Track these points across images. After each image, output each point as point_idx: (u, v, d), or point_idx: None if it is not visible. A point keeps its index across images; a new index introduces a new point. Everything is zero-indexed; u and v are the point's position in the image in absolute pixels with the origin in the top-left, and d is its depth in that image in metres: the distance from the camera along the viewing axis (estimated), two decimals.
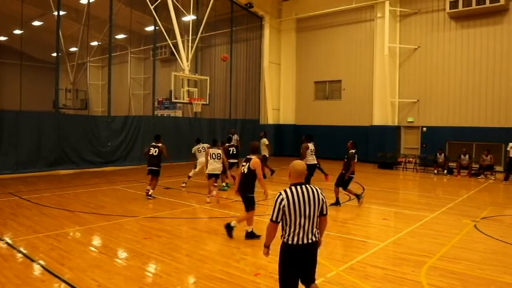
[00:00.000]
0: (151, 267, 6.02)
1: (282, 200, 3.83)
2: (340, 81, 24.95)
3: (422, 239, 7.72)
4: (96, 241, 7.40)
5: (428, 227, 8.82)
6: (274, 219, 3.87)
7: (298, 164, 4.05)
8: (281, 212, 3.83)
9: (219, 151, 11.29)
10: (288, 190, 3.88)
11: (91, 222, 8.52)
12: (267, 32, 26.51)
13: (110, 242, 7.19)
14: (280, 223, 3.88)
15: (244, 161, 7.50)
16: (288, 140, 26.58)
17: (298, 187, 3.90)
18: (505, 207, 11.65)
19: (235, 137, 19.39)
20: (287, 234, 3.86)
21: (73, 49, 31.82)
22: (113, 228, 8.05)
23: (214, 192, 11.11)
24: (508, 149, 16.55)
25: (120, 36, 31.78)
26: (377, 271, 5.90)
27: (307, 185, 3.97)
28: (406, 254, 6.64)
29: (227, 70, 26.39)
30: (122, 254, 6.60)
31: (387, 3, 21.65)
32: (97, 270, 5.69)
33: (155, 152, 11.42)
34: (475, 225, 8.77)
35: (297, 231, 3.84)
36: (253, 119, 26.84)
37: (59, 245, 6.84)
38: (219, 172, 11.35)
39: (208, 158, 11.16)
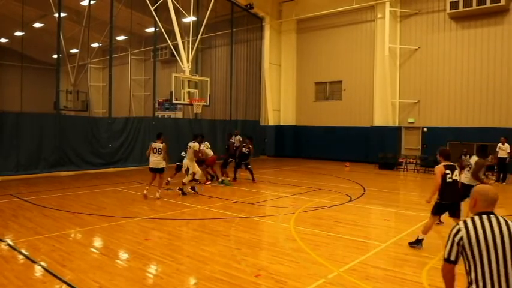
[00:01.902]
0: (152, 269, 6.01)
1: (459, 231, 2.87)
2: (340, 81, 24.95)
3: (425, 240, 7.70)
4: (97, 242, 7.40)
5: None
6: (446, 256, 2.92)
7: (489, 189, 3.04)
8: (456, 248, 2.86)
9: (161, 146, 11.36)
10: (470, 221, 2.88)
11: (92, 224, 8.52)
12: (267, 33, 26.53)
13: (111, 243, 7.18)
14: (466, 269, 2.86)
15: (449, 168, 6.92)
16: (288, 141, 26.64)
17: (486, 217, 2.87)
18: (506, 207, 11.64)
19: (237, 137, 19.42)
20: (476, 286, 2.76)
21: (74, 51, 31.89)
22: (114, 230, 8.05)
23: (157, 194, 11.38)
24: (497, 149, 16.51)
25: (121, 37, 31.80)
26: (378, 272, 5.89)
27: (498, 216, 2.90)
28: (407, 255, 6.64)
29: (227, 71, 26.41)
30: (123, 255, 6.59)
31: (387, 3, 21.68)
32: (98, 271, 5.69)
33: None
34: None
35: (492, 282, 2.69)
36: (253, 120, 26.86)
37: (60, 247, 6.84)
38: (157, 166, 11.35)
39: (151, 152, 11.47)
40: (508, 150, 16.18)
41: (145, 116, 25.30)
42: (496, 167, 16.95)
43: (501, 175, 16.55)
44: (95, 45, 31.66)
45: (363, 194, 12.21)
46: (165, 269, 5.89)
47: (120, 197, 11.98)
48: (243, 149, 15.34)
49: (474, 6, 19.22)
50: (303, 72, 26.75)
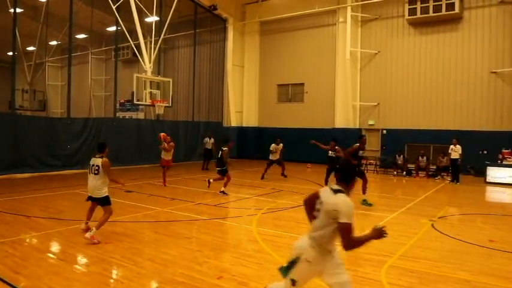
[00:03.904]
0: (112, 273, 5.89)
1: None
2: (303, 84, 25.28)
3: (383, 239, 7.91)
4: (55, 247, 7.16)
5: (388, 227, 9.02)
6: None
7: None
8: None
9: (99, 162, 7.41)
10: None
11: (49, 228, 8.24)
12: (230, 35, 26.53)
13: (69, 248, 6.97)
14: None
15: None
16: (250, 143, 26.69)
17: None
18: (460, 206, 12.13)
19: (211, 140, 19.35)
20: None
21: (31, 48, 30.73)
22: (72, 234, 7.81)
23: (88, 234, 7.12)
24: (449, 151, 17.20)
25: (81, 35, 30.99)
26: None
27: None
28: (368, 254, 6.78)
29: (190, 72, 26.20)
30: (82, 260, 6.42)
31: (349, 8, 22.17)
32: (55, 277, 5.50)
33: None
34: (432, 225, 9.07)
35: None
36: (216, 121, 26.76)
37: (14, 252, 6.58)
38: (99, 196, 7.44)
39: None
40: (460, 152, 16.85)
41: (106, 117, 24.75)
42: (450, 168, 17.63)
43: (454, 176, 17.22)
44: (54, 43, 30.66)
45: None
46: (125, 273, 5.78)
47: (79, 200, 11.61)
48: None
49: (431, 13, 20.00)
50: (266, 74, 26.92)
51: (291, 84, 26.01)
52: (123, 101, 30.73)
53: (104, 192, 7.44)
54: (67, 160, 17.90)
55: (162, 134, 14.94)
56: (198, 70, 26.13)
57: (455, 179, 17.05)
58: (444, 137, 19.46)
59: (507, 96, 19.28)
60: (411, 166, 19.47)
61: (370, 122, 22.74)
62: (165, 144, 14.32)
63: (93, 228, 7.23)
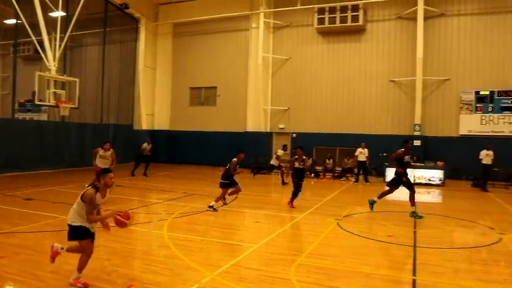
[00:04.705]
0: None
1: None
2: (215, 87, 25.36)
3: (293, 239, 8.21)
4: None
5: (297, 227, 9.42)
6: None
7: None
8: None
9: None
10: None
11: None
12: (142, 35, 25.82)
13: None
14: None
15: None
16: (162, 146, 26.08)
17: None
18: (363, 205, 12.93)
19: (149, 146, 18.54)
20: None
21: None
22: None
23: None
24: (356, 153, 18.45)
25: None
26: (251, 273, 6.09)
27: None
28: (278, 254, 6.97)
29: (99, 72, 24.99)
30: None
31: (262, 14, 22.70)
32: None
33: None
34: (338, 223, 9.57)
35: None
36: (126, 124, 25.80)
37: None
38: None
39: None
40: (367, 154, 18.13)
41: (3, 118, 22.74)
42: (356, 169, 18.85)
43: (363, 176, 18.47)
44: None
45: (236, 198, 12.51)
46: None
47: None
48: None
49: (337, 24, 21.26)
50: (178, 76, 26.59)
51: (203, 88, 25.96)
52: (23, 101, 28.40)
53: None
54: None
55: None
56: (107, 70, 24.95)
57: (365, 179, 18.32)
58: (349, 140, 20.70)
59: (403, 103, 21.03)
60: (319, 168, 20.39)
61: (281, 126, 23.46)
62: (103, 151, 12.88)
63: None
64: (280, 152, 18.64)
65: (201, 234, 8.38)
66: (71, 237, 5.50)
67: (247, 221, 10.59)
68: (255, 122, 23.47)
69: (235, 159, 11.83)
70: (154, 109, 26.90)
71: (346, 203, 13.02)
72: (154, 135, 25.88)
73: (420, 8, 20.20)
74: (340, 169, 20.21)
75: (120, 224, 5.36)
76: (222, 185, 11.26)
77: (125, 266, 6.30)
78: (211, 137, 24.52)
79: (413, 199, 10.59)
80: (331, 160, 20.44)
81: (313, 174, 20.09)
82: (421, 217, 10.25)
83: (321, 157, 21.10)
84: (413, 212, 10.42)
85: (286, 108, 23.27)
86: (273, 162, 18.55)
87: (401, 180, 10.61)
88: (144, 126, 26.07)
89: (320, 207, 12.03)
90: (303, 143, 21.79)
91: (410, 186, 10.64)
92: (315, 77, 22.64)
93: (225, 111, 24.88)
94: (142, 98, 25.89)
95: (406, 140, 11.46)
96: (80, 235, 5.42)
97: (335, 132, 21.81)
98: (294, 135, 22.97)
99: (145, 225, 9.25)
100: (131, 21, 25.84)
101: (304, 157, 12.10)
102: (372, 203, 10.99)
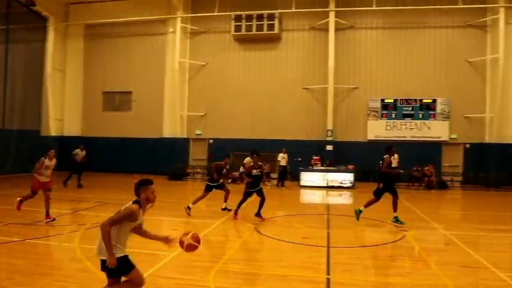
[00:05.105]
0: None
1: None
2: (130, 92, 24.58)
3: (211, 245, 8.15)
4: None
5: (216, 233, 9.39)
6: None
7: None
8: None
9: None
10: None
11: None
12: (51, 35, 24.29)
13: None
14: None
15: None
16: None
17: None
18: (279, 209, 13.26)
19: (83, 152, 17.23)
20: None
21: None
22: None
23: None
24: (278, 159, 19.11)
25: None
26: (168, 282, 5.95)
27: None
28: (196, 262, 6.88)
29: (1, 74, 22.98)
30: None
31: (179, 19, 22.48)
32: None
33: None
34: (255, 228, 9.70)
35: None
36: (33, 129, 23.93)
37: None
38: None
39: None
40: (287, 159, 18.85)
41: None
42: (272, 174, 19.50)
43: (281, 181, 19.22)
44: None
45: (152, 205, 12.17)
46: None
47: None
48: None
49: (254, 32, 21.72)
50: (90, 80, 25.38)
51: (118, 92, 25.01)
52: None
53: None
54: None
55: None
56: (10, 72, 22.89)
57: (281, 183, 18.93)
58: (267, 146, 21.16)
59: (316, 110, 21.98)
60: (236, 174, 20.54)
61: (197, 132, 23.33)
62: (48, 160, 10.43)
63: None
64: (247, 160, 18.46)
65: None
66: (113, 274, 4.35)
67: (165, 229, 10.34)
68: (172, 127, 23.08)
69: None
70: (64, 114, 25.35)
71: (264, 207, 13.21)
72: (64, 141, 24.21)
73: (332, 20, 21.32)
74: None
75: (192, 249, 4.67)
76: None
77: (31, 284, 5.78)
78: (127, 143, 23.68)
79: (396, 205, 10.71)
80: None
81: (230, 180, 20.16)
82: (402, 222, 10.35)
83: (239, 163, 21.26)
84: (396, 217, 10.54)
85: (203, 114, 23.20)
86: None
87: (387, 189, 10.64)
88: (53, 132, 24.44)
89: (238, 212, 12.06)
90: (220, 149, 21.97)
91: (395, 192, 10.70)
92: (232, 83, 22.86)
93: (140, 117, 24.18)
94: (50, 102, 24.26)
95: (389, 146, 11.63)
96: (125, 268, 4.39)
97: (252, 138, 22.13)
98: (211, 141, 22.95)
99: (55, 238, 8.66)
100: (38, 19, 24.17)
101: (259, 163, 11.26)
102: (358, 213, 10.56)
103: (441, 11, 21.08)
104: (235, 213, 11.05)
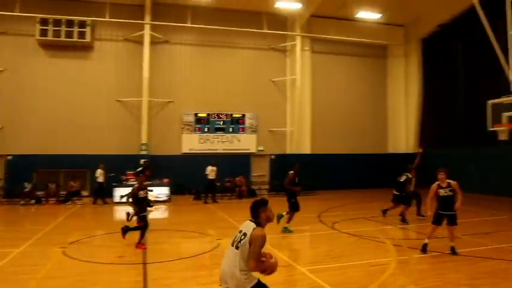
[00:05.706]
0: None
1: None
2: None
3: (9, 278, 7.12)
4: None
5: (15, 263, 8.23)
6: None
7: None
8: None
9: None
10: None
11: None
12: None
13: None
14: None
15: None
16: None
17: None
18: (93, 229, 12.41)
19: None
20: None
21: None
22: None
23: None
24: (97, 175, 17.97)
25: None
26: None
27: None
28: None
29: None
30: None
31: None
32: None
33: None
34: (63, 252, 8.87)
35: None
36: None
37: None
38: None
39: None
40: (105, 176, 18.19)
41: None
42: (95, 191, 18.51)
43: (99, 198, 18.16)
44: None
45: None
46: None
47: None
48: None
49: (62, 38, 20.12)
50: None
51: None
52: None
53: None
54: None
55: None
56: None
57: (102, 201, 18.13)
58: (76, 161, 19.68)
59: (130, 123, 21.39)
60: (41, 193, 18.50)
61: None
62: None
63: None
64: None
65: None
66: None
67: None
68: None
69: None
70: None
71: (73, 228, 12.24)
72: None
73: (147, 32, 21.19)
74: (65, 193, 18.83)
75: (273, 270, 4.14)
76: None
77: None
78: None
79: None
80: (55, 184, 18.91)
81: (33, 201, 18.09)
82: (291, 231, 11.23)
83: (44, 181, 19.18)
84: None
85: (0, 127, 20.12)
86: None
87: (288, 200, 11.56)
88: None
89: (42, 236, 10.91)
90: (21, 166, 19.46)
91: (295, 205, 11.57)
92: (37, 92, 20.51)
93: None
94: None
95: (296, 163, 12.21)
96: None
97: (60, 154, 20.14)
98: (9, 157, 19.98)
99: None
100: None
101: (144, 183, 10.31)
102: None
103: (249, 33, 22.93)
104: (139, 244, 9.52)
